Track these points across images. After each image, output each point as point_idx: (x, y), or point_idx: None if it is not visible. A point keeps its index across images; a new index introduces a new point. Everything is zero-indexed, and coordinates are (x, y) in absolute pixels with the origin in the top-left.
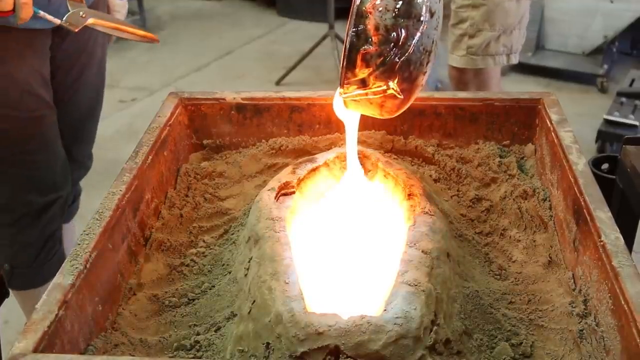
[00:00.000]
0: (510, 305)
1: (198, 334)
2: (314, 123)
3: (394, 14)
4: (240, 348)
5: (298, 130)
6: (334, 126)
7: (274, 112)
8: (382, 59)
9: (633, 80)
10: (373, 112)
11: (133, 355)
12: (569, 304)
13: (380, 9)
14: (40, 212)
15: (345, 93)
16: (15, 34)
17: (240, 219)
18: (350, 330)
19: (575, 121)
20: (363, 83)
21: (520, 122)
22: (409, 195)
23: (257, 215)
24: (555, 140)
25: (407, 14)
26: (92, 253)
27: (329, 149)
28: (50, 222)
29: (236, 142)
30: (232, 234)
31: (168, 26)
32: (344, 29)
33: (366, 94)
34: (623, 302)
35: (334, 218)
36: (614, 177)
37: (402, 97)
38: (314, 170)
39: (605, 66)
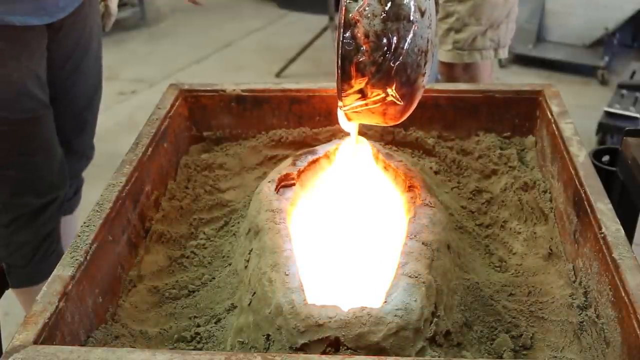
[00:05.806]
0: (510, 297)
1: (198, 326)
2: (314, 115)
3: (382, 19)
4: (240, 340)
5: (298, 122)
6: (334, 118)
7: (274, 103)
8: (376, 66)
9: (634, 72)
10: (377, 121)
11: (133, 347)
12: (569, 296)
13: (368, 15)
14: (37, 213)
15: (345, 106)
16: (12, 34)
17: (241, 210)
18: (350, 321)
19: (575, 113)
20: (361, 93)
21: (520, 113)
22: (410, 187)
23: (257, 207)
24: (556, 132)
25: (396, 16)
26: (93, 245)
27: (329, 141)
28: (47, 222)
29: (236, 134)
30: (232, 225)
31: (168, 18)
32: None
33: (366, 104)
34: (623, 294)
35: (335, 210)
36: (615, 169)
37: (402, 103)
38: (314, 162)
39: (606, 58)
